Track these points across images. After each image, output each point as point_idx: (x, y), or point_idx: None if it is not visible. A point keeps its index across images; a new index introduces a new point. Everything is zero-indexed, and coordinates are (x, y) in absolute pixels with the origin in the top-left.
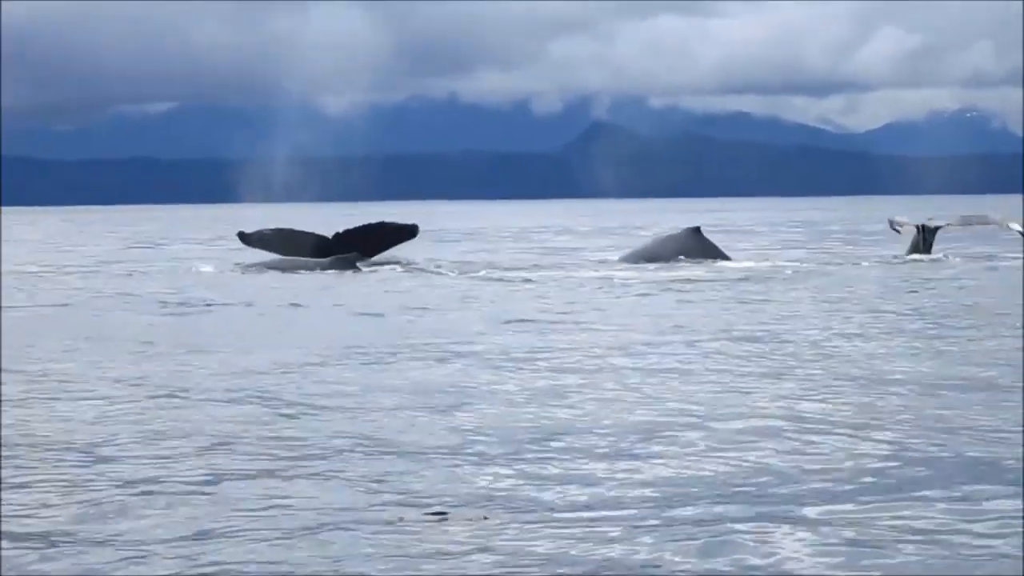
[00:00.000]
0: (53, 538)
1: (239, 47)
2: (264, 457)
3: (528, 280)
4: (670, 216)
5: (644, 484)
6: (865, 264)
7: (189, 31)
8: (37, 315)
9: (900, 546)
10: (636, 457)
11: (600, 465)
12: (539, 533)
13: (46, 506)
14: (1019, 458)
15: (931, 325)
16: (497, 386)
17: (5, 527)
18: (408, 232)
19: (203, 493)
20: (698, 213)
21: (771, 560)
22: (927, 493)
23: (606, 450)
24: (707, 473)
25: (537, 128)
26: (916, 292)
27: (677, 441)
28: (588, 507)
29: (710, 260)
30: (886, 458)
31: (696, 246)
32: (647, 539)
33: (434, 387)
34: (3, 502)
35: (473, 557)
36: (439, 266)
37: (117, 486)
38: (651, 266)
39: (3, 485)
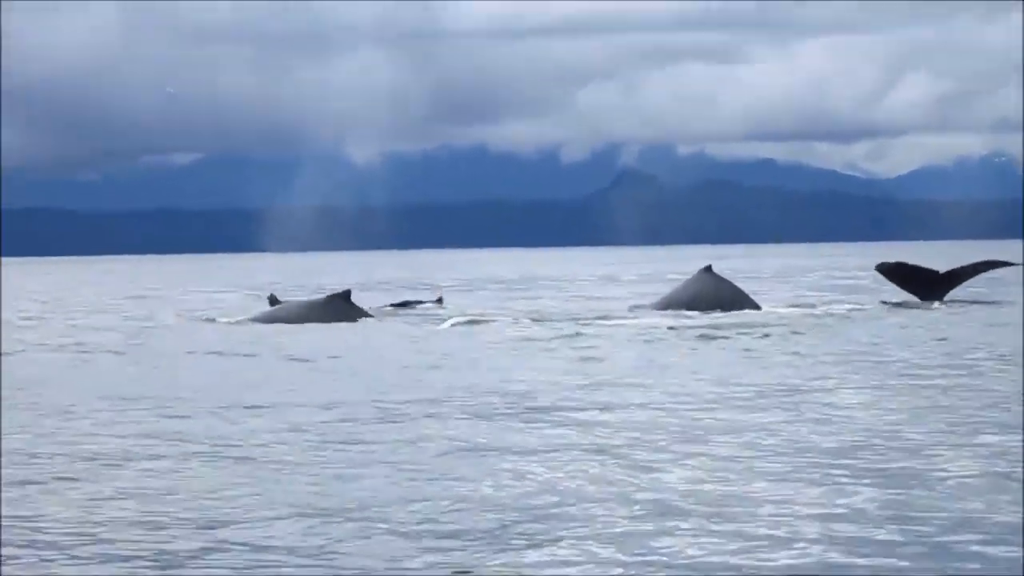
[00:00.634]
0: None
1: (265, 97)
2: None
3: (581, 332)
4: (704, 263)
5: None
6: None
7: (214, 81)
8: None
9: None
10: None
11: None
12: None
13: None
14: None
15: None
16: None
17: None
18: None
19: None
20: (730, 259)
21: None
22: None
23: None
24: None
25: (565, 176)
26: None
27: None
28: None
29: (740, 307)
30: None
31: (726, 291)
32: None
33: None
34: None
35: None
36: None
37: None
38: (691, 314)
39: None
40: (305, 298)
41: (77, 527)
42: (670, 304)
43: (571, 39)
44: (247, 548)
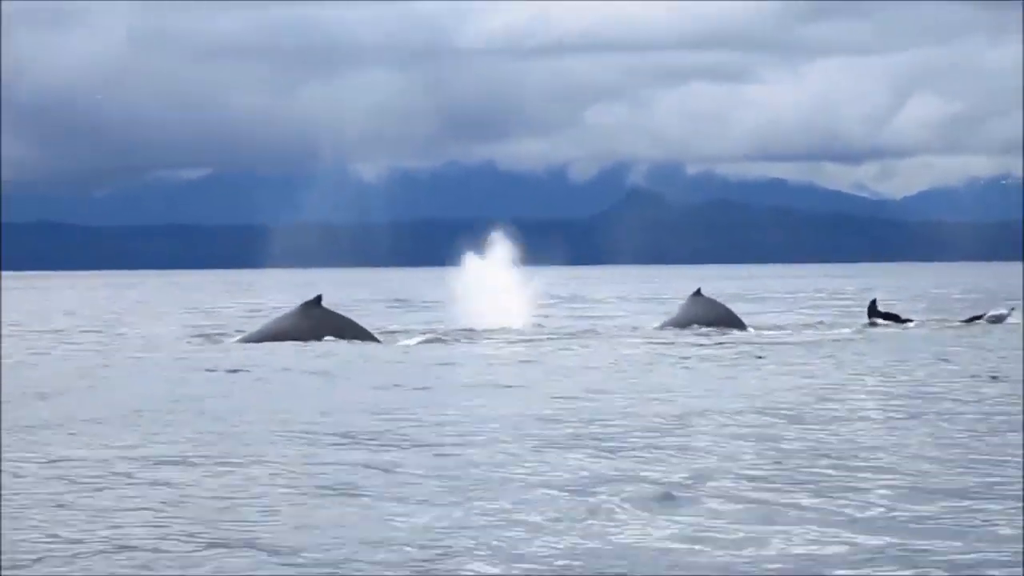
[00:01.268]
0: None
1: (275, 113)
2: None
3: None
4: (710, 283)
5: None
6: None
7: (225, 97)
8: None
9: None
10: None
11: None
12: None
13: None
14: None
15: None
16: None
17: None
18: None
19: None
20: (736, 280)
21: None
22: None
23: None
24: None
25: (574, 195)
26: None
27: None
28: None
29: (728, 327)
30: None
31: (715, 312)
32: None
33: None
34: None
35: None
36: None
37: None
38: (687, 333)
39: None
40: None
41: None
42: (671, 324)
43: (580, 57)
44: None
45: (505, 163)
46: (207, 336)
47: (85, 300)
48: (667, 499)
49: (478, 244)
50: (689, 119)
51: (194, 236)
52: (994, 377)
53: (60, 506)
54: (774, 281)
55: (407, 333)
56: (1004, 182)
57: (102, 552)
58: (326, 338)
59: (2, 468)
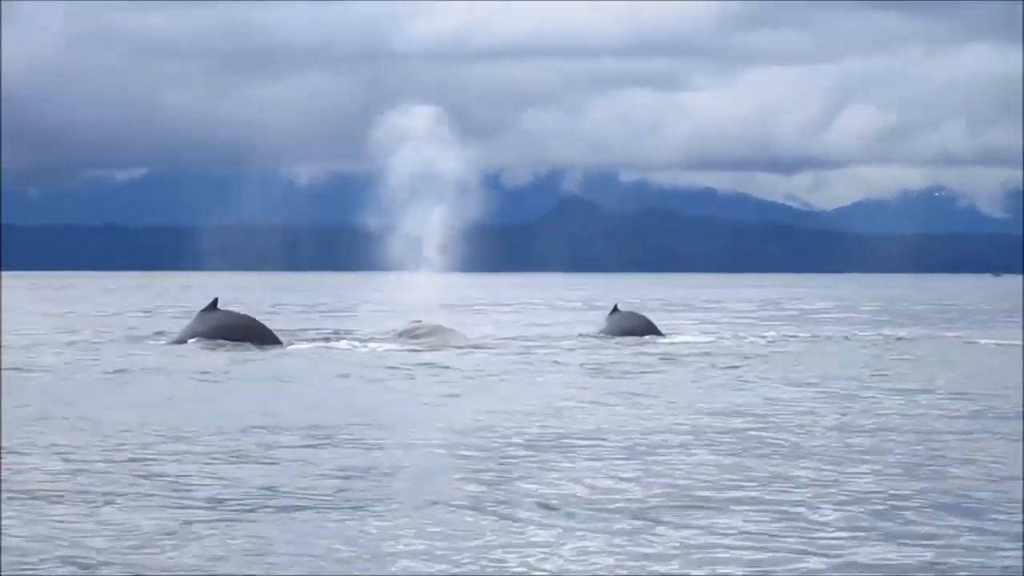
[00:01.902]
0: None
1: (209, 114)
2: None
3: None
4: (639, 291)
5: None
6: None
7: (161, 98)
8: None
9: None
10: None
11: None
12: None
13: None
14: None
15: None
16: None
17: None
18: None
19: None
20: (667, 288)
21: None
22: None
23: None
24: None
25: (507, 201)
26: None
27: None
28: None
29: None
30: None
31: (636, 322)
32: None
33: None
34: None
35: None
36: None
37: None
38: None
39: None
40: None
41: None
42: (604, 332)
43: (516, 63)
44: None
45: (440, 167)
46: (132, 338)
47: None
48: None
49: (412, 249)
50: (624, 126)
51: (128, 237)
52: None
53: None
54: (702, 291)
55: (305, 334)
56: (937, 194)
57: None
58: (219, 340)
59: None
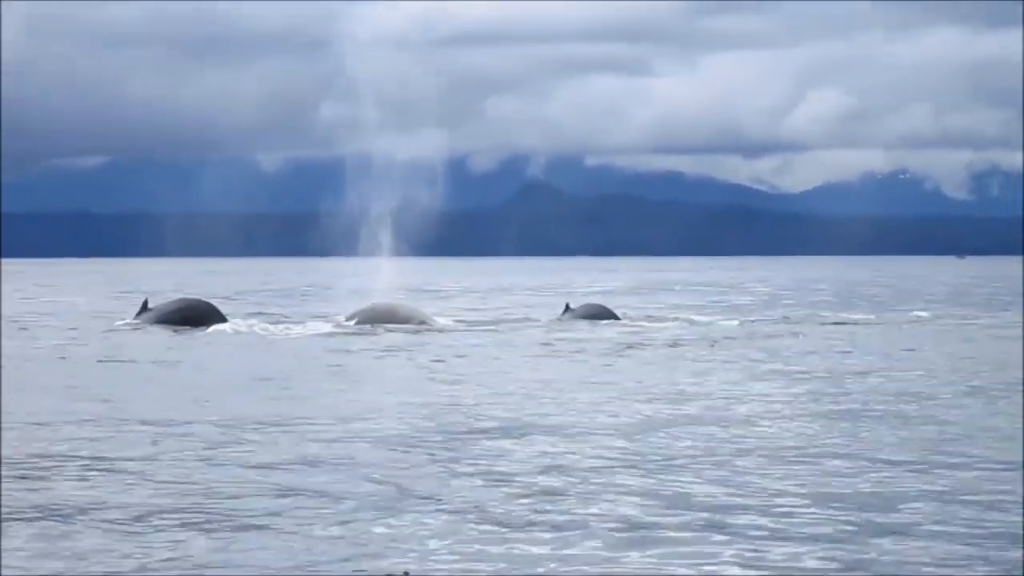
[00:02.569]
0: None
1: (174, 101)
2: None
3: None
4: (607, 275)
5: None
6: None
7: (123, 84)
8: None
9: None
10: None
11: None
12: None
13: None
14: None
15: None
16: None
17: None
18: None
19: None
20: (634, 272)
21: None
22: None
23: None
24: None
25: (472, 186)
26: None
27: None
28: None
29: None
30: None
31: (596, 309)
32: None
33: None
34: None
35: None
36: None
37: None
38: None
39: None
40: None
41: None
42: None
43: (478, 48)
44: None
45: (404, 153)
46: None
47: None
48: None
49: (375, 234)
50: (588, 111)
51: (90, 224)
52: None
53: None
54: (665, 275)
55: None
56: (902, 176)
57: None
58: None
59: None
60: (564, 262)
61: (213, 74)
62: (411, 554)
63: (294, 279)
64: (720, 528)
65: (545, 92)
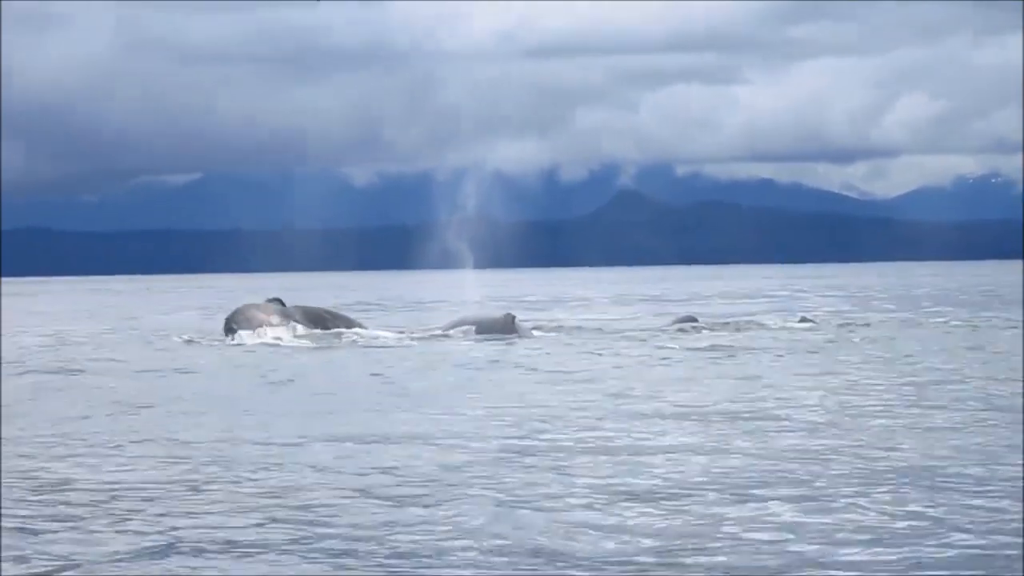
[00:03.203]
0: None
1: (262, 117)
2: None
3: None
4: (703, 284)
5: None
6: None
7: (212, 102)
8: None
9: None
10: None
11: None
12: None
13: None
14: None
15: None
16: None
17: None
18: None
19: None
20: (724, 280)
21: None
22: None
23: None
24: None
25: (563, 196)
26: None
27: None
28: None
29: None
30: None
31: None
32: None
33: None
34: None
35: None
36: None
37: None
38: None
39: None
40: None
41: None
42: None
43: (565, 60)
44: None
45: (494, 166)
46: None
47: (103, 303)
48: None
49: (468, 247)
50: (677, 121)
51: (182, 241)
52: None
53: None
54: (759, 282)
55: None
56: (994, 180)
57: None
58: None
59: (2, 469)
60: (663, 271)
61: (301, 89)
62: None
63: (405, 291)
64: None
65: (633, 102)
